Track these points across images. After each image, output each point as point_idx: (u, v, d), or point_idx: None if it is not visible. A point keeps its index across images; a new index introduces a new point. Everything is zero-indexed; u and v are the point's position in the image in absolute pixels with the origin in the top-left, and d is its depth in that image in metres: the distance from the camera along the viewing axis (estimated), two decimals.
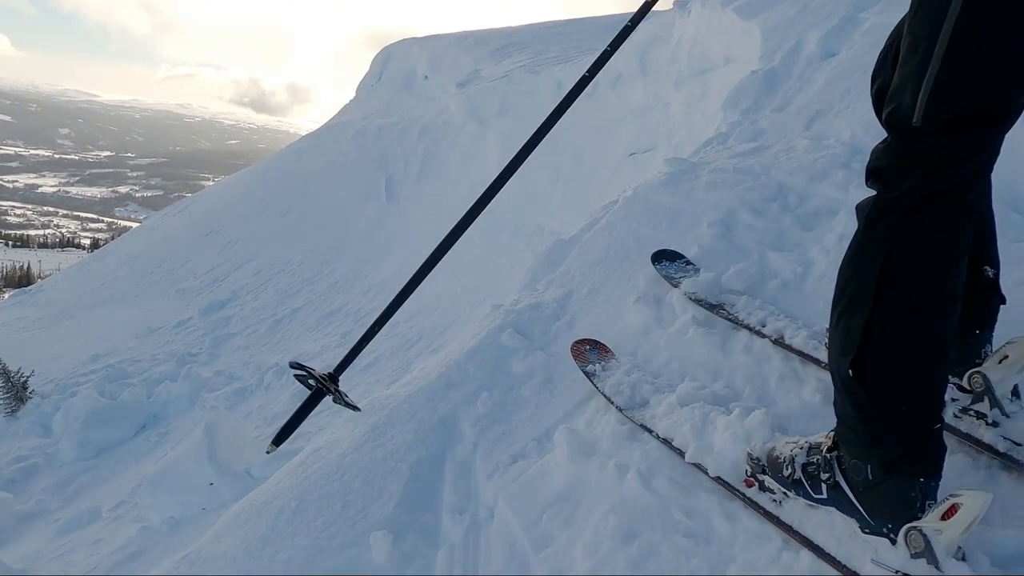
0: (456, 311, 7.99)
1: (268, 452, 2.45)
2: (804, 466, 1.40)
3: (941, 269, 1.20)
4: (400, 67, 16.21)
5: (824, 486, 1.35)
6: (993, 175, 1.31)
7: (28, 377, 8.96)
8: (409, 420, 2.27)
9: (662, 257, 2.64)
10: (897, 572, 1.19)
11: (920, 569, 1.16)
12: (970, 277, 1.31)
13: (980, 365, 1.45)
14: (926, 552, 1.15)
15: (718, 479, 1.58)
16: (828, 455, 1.36)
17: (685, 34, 7.61)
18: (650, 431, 1.83)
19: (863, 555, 1.27)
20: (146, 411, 8.20)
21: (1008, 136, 1.23)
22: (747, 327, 2.16)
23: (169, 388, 8.43)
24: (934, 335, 1.21)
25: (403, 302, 2.47)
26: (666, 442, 1.77)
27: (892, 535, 1.23)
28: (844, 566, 1.28)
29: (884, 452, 1.23)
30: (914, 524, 1.18)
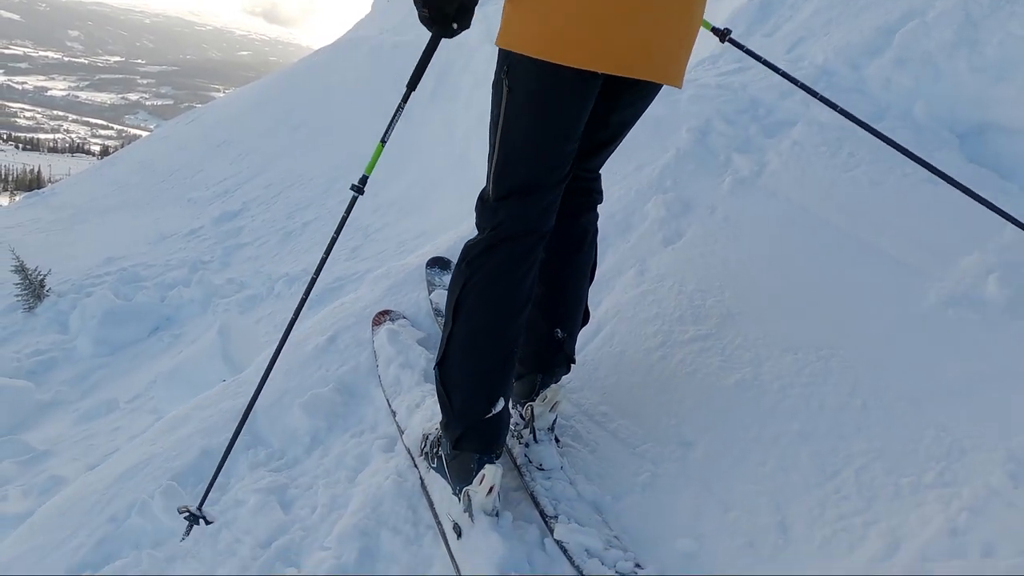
0: None
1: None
2: (431, 443, 1.78)
3: (497, 303, 1.54)
4: None
5: (436, 459, 1.73)
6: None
7: (45, 276, 9.10)
8: None
9: (435, 263, 2.84)
10: (454, 521, 1.59)
11: (465, 521, 1.56)
12: (546, 334, 1.74)
13: (533, 401, 1.80)
14: (470, 507, 1.55)
15: (408, 449, 1.96)
16: (437, 436, 1.73)
17: None
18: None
19: (452, 508, 1.63)
20: (159, 313, 8.36)
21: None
22: None
23: (182, 293, 8.57)
24: (488, 351, 1.55)
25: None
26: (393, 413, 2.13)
27: (458, 495, 1.59)
28: (438, 517, 1.68)
29: (452, 433, 1.59)
30: (466, 487, 1.55)
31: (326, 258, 2.00)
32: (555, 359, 1.78)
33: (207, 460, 2.17)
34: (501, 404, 1.54)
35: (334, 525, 1.74)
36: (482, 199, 1.62)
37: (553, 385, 1.79)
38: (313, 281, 2.02)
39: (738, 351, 1.87)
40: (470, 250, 1.58)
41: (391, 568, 1.62)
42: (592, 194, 1.78)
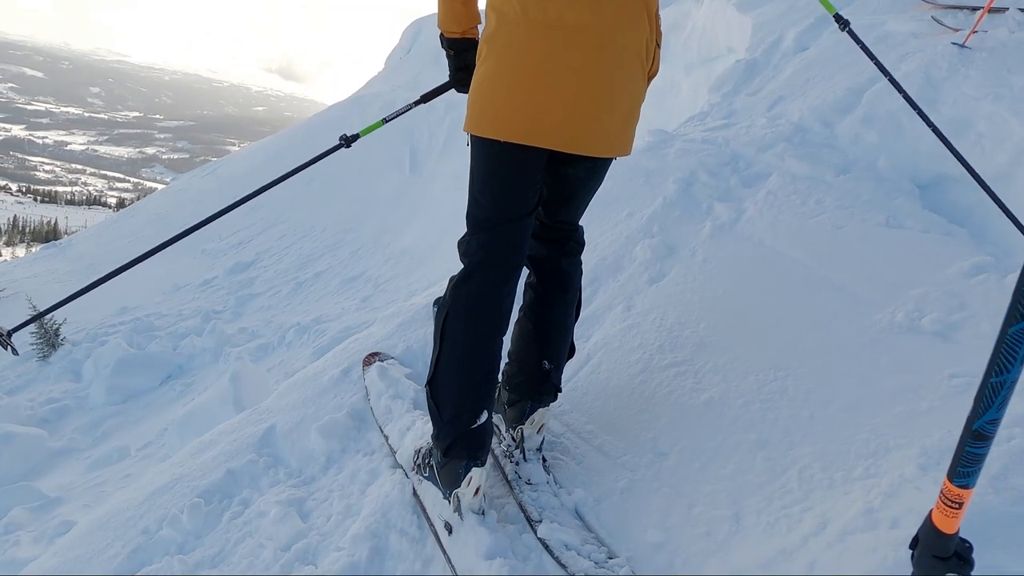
0: None
1: None
2: (423, 455, 2.00)
3: (476, 326, 1.74)
4: (430, 41, 16.37)
5: (428, 468, 1.94)
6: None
7: (60, 325, 9.31)
8: None
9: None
10: (445, 521, 1.81)
11: (455, 519, 1.78)
12: (535, 365, 1.96)
13: (523, 425, 2.02)
14: (459, 507, 1.78)
15: (400, 465, 2.18)
16: (428, 448, 1.95)
17: (697, 23, 8.05)
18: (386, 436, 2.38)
19: (443, 511, 1.84)
20: (172, 362, 8.50)
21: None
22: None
23: (194, 342, 8.73)
24: (471, 369, 1.74)
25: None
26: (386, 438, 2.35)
27: (448, 498, 1.82)
28: (431, 519, 1.90)
29: (442, 443, 1.77)
30: (455, 490, 1.77)
31: (280, 180, 2.36)
32: (543, 388, 1.98)
33: (232, 479, 2.39)
34: (485, 416, 1.74)
35: (348, 530, 1.95)
36: (463, 237, 1.87)
37: (541, 410, 2.00)
38: None
39: (708, 375, 2.10)
40: (453, 281, 1.81)
41: (399, 566, 1.82)
42: (570, 243, 2.01)
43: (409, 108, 2.65)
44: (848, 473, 1.60)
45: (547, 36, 1.58)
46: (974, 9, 4.68)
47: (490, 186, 1.75)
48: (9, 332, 2.10)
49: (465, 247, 1.80)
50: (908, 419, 1.72)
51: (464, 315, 1.74)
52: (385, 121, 2.73)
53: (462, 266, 1.82)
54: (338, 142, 2.61)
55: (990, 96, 3.25)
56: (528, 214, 1.78)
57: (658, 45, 1.77)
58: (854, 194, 3.03)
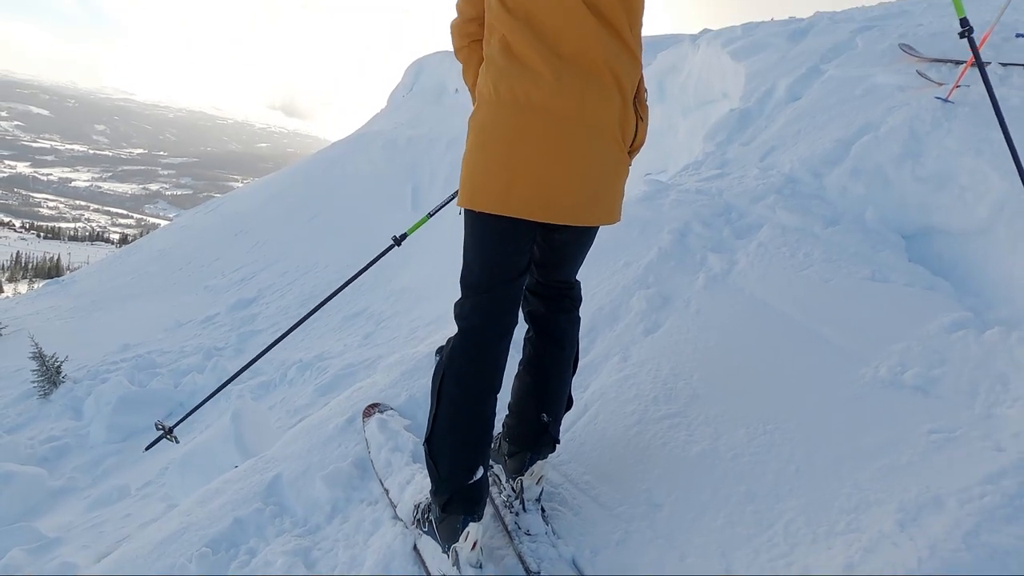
0: None
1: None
2: (422, 510, 2.08)
3: (470, 388, 1.83)
4: (431, 80, 16.70)
5: (427, 523, 2.02)
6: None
7: (62, 362, 9.35)
8: None
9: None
10: (444, 575, 1.88)
11: (454, 573, 1.86)
12: (534, 418, 2.04)
13: (523, 476, 2.09)
14: (458, 561, 1.85)
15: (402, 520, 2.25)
16: (427, 503, 2.04)
17: (694, 67, 8.25)
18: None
19: (442, 565, 1.92)
20: (173, 400, 8.53)
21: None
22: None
23: (195, 379, 8.78)
24: (466, 429, 1.83)
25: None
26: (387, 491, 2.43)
27: (447, 552, 1.88)
28: (429, 572, 1.97)
29: (440, 499, 1.85)
30: (453, 545, 1.84)
31: (342, 288, 2.49)
32: (542, 439, 2.06)
33: (239, 528, 2.45)
34: (480, 472, 1.82)
35: None
36: (458, 300, 1.96)
37: (540, 461, 2.08)
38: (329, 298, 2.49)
39: (701, 426, 2.19)
40: (449, 342, 1.90)
41: None
42: (566, 300, 2.10)
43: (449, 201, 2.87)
44: (831, 527, 1.67)
45: (516, 115, 1.70)
46: (957, 63, 4.85)
47: (479, 254, 1.86)
48: (170, 428, 2.34)
49: (459, 309, 1.90)
50: (889, 474, 1.80)
51: (459, 377, 1.83)
52: (430, 216, 2.93)
53: (457, 328, 1.91)
54: (391, 243, 2.81)
55: (972, 151, 3.37)
56: (518, 277, 1.88)
57: (641, 119, 1.86)
58: (841, 247, 3.14)
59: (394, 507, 2.28)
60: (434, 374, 1.90)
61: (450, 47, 2.06)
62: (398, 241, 2.78)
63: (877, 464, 1.85)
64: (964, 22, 2.59)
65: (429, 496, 1.98)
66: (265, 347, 3.04)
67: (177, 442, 2.27)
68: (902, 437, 1.93)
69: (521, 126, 1.70)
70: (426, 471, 1.97)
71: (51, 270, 54.70)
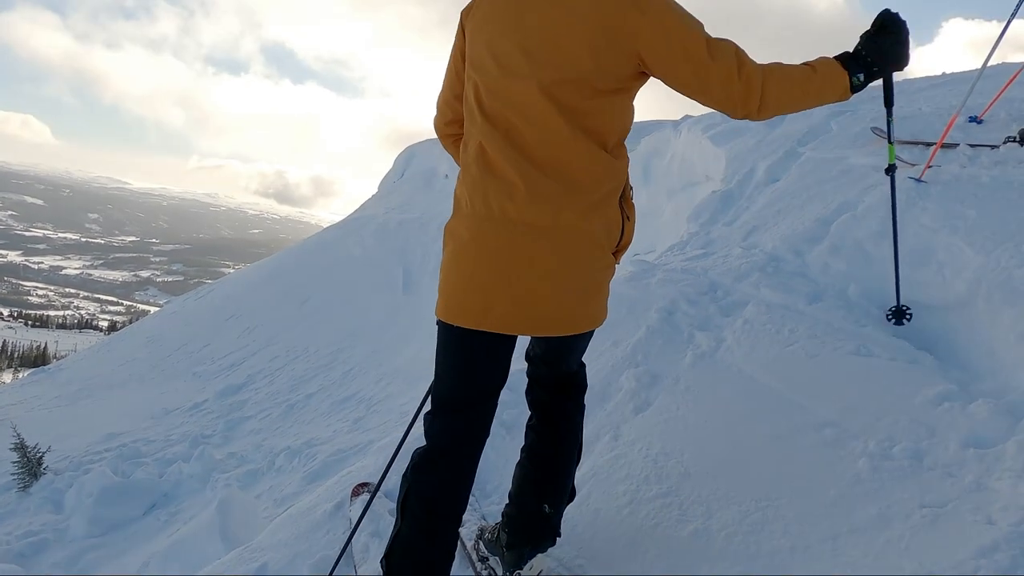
0: None
1: None
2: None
3: (434, 510, 1.77)
4: (422, 166, 17.13)
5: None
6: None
7: (44, 453, 9.12)
8: None
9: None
10: None
11: None
12: (535, 510, 1.99)
13: (521, 570, 2.03)
14: None
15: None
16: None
17: (677, 151, 8.57)
18: None
19: None
20: (158, 490, 8.29)
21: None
22: None
23: (181, 468, 8.56)
24: (426, 551, 1.77)
25: None
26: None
27: None
28: None
29: None
30: None
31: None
32: (542, 532, 2.00)
33: None
34: None
35: None
36: (427, 412, 1.91)
37: (539, 555, 2.02)
38: None
39: (693, 505, 2.16)
40: (415, 458, 1.83)
41: None
42: (571, 388, 2.05)
43: None
44: None
45: (490, 229, 1.68)
46: (928, 144, 5.06)
47: (449, 367, 1.81)
48: None
49: (428, 425, 1.84)
50: (883, 550, 1.78)
51: (424, 499, 1.77)
52: None
53: (425, 440, 1.85)
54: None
55: (947, 228, 3.48)
56: (494, 395, 1.84)
57: (628, 218, 1.82)
58: (825, 322, 3.19)
59: None
60: (401, 486, 1.84)
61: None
62: None
63: (871, 540, 1.84)
64: (891, 168, 3.09)
65: None
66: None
67: None
68: (894, 512, 1.92)
69: (496, 244, 1.68)
70: None
71: (37, 359, 54.08)
